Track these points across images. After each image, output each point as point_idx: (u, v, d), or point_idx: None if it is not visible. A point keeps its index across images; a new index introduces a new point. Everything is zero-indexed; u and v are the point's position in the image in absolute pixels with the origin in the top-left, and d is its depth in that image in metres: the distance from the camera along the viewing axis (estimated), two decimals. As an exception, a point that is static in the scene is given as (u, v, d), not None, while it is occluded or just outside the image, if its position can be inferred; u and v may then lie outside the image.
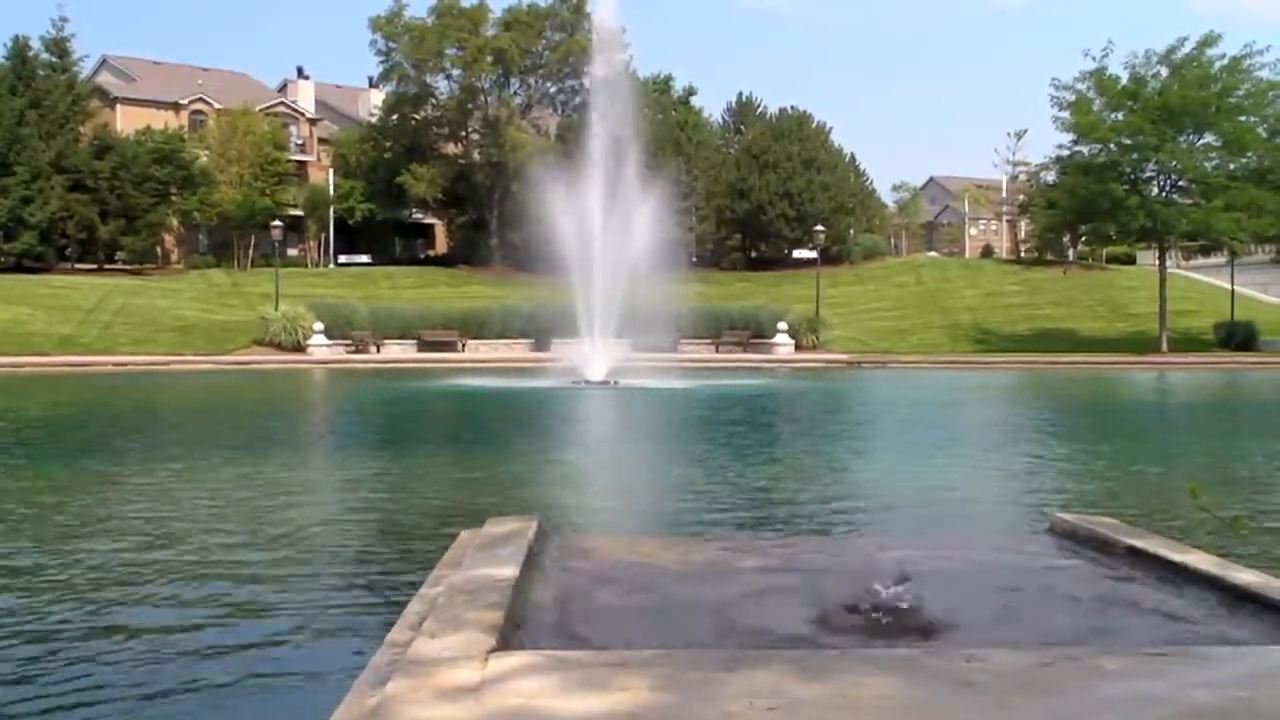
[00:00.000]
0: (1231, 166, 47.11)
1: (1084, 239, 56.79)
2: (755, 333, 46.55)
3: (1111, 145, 47.40)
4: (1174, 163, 46.37)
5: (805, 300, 49.34)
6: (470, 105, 66.26)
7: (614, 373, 29.32)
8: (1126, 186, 47.33)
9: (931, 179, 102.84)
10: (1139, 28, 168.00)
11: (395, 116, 66.73)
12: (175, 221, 63.35)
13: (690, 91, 73.53)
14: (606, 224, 31.94)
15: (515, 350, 44.62)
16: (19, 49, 57.58)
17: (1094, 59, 46.83)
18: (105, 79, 69.46)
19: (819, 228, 55.49)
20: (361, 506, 10.24)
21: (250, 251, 62.72)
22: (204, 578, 7.15)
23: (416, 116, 66.88)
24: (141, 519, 9.31)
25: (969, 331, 51.91)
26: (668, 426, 19.53)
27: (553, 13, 66.06)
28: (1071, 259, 64.22)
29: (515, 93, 67.98)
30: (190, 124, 67.49)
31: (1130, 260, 68.85)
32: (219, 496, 10.67)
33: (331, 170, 68.41)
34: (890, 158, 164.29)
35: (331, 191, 67.04)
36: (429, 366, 38.35)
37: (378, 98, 70.58)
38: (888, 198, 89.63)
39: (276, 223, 51.73)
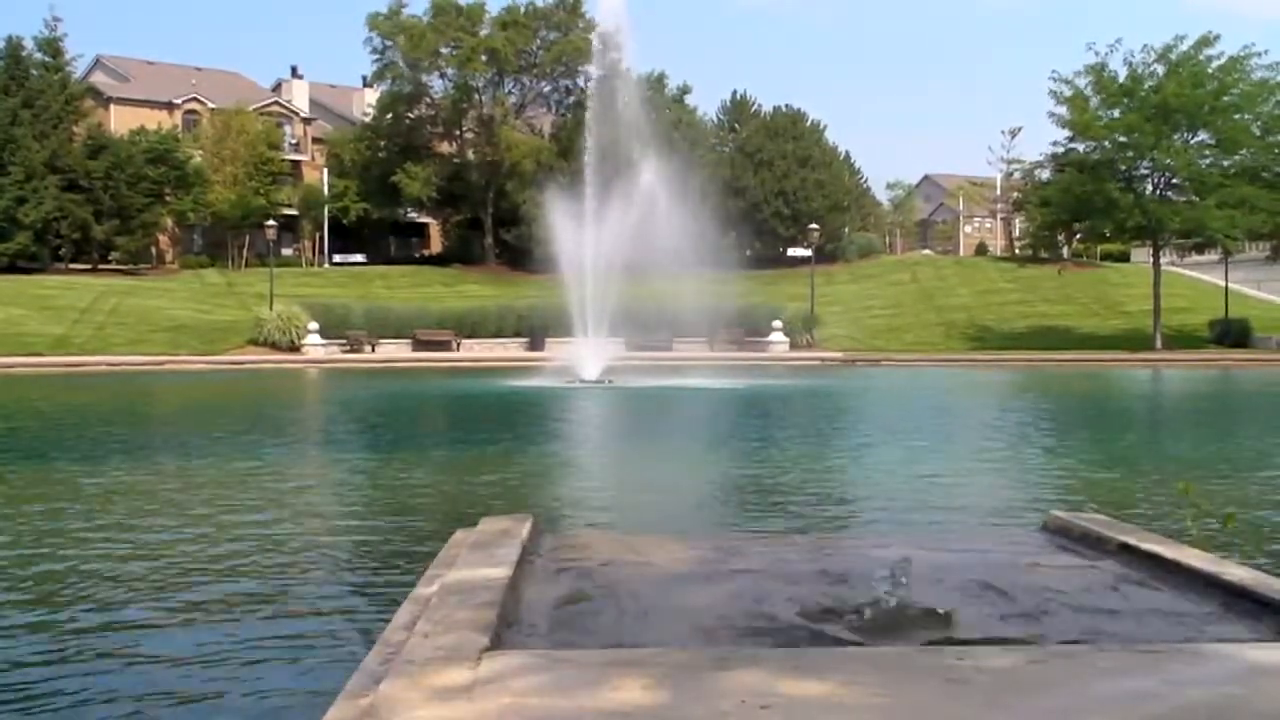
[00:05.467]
0: (1225, 164, 47.16)
1: (1079, 237, 56.81)
2: (750, 331, 46.55)
3: (1106, 143, 47.45)
4: (1168, 160, 46.43)
5: (800, 298, 49.38)
6: (465, 104, 66.16)
7: (608, 372, 29.33)
8: (1121, 184, 47.36)
9: (926, 177, 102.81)
10: (1135, 28, 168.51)
11: (390, 116, 66.62)
12: (169, 221, 63.24)
13: (684, 90, 73.44)
14: (600, 223, 31.92)
15: (510, 350, 44.60)
16: (12, 49, 57.41)
17: (1097, 54, 46.91)
18: (99, 79, 69.32)
19: (813, 226, 55.61)
20: (354, 506, 10.23)
21: (245, 251, 62.63)
22: (197, 574, 7.13)
23: (411, 115, 66.78)
24: (139, 517, 9.29)
25: (964, 329, 51.93)
26: (657, 425, 19.56)
27: (549, 13, 66.03)
28: (1066, 256, 64.17)
29: (510, 92, 67.91)
30: (184, 124, 67.37)
31: (1124, 258, 68.87)
32: (213, 495, 10.65)
33: (326, 170, 68.30)
34: (885, 156, 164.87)
35: (326, 191, 66.96)
36: (424, 366, 38.35)
37: (372, 97, 70.44)
38: (882, 196, 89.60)
39: (271, 222, 51.75)
